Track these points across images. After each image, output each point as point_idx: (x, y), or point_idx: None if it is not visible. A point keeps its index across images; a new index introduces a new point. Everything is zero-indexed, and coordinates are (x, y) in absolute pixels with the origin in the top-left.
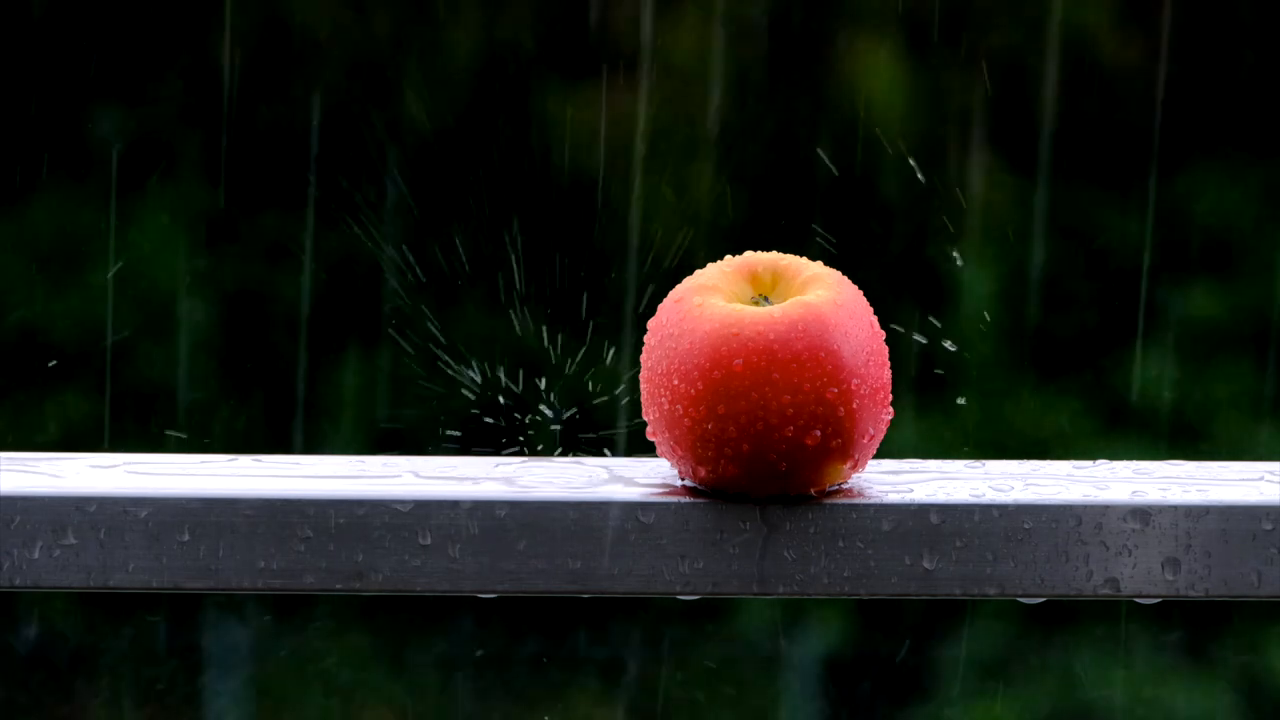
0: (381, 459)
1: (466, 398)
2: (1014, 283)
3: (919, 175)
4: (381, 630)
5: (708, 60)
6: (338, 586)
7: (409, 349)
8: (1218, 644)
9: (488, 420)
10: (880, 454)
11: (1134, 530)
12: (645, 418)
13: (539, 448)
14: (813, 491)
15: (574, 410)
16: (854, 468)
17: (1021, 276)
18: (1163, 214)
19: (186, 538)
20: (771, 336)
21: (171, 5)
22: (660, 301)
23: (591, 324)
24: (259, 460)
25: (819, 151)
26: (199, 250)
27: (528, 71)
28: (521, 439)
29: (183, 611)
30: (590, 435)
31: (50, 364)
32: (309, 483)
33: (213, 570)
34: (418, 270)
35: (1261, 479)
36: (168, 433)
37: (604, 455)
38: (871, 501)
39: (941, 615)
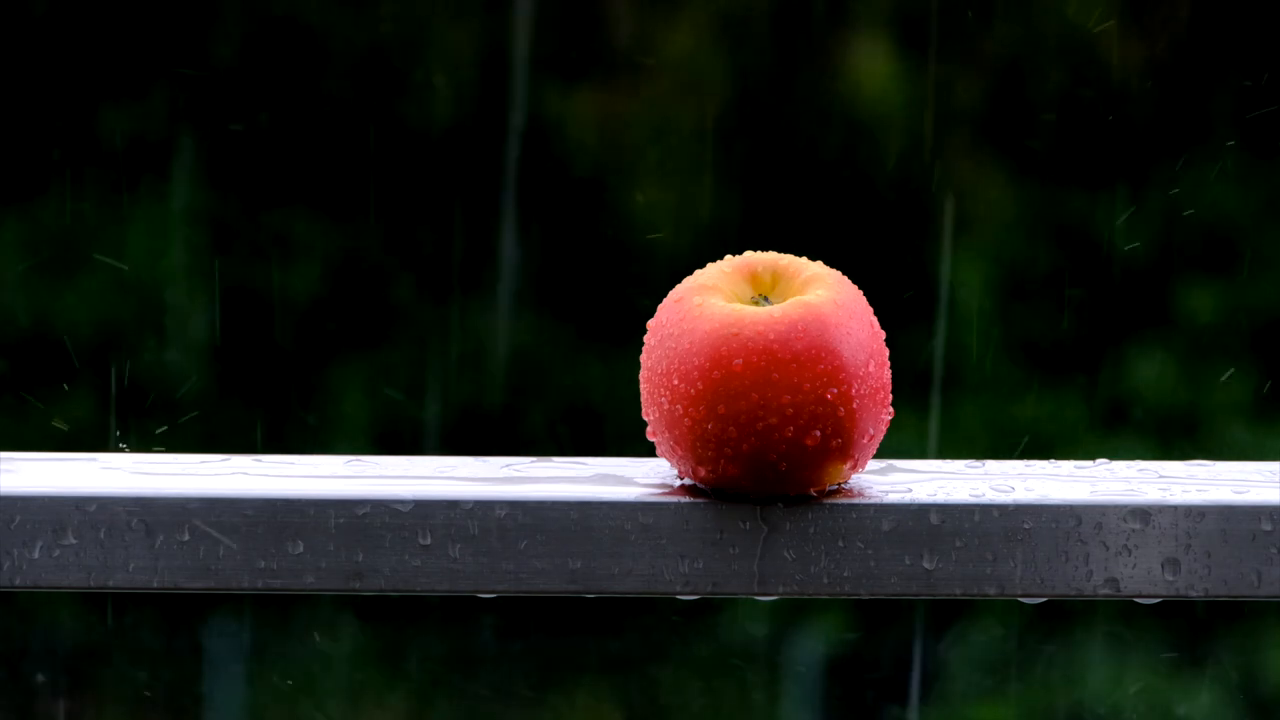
0: (381, 459)
1: (467, 397)
2: (1014, 282)
3: (918, 174)
4: (381, 630)
5: (708, 60)
6: (338, 586)
7: (410, 348)
8: (1218, 644)
9: (488, 419)
10: (880, 454)
11: (1134, 530)
12: (645, 418)
13: (539, 448)
14: (813, 491)
15: (574, 409)
16: (854, 468)
17: (1021, 276)
18: (1163, 213)
19: (186, 538)
20: (771, 336)
21: (173, 5)
22: (660, 301)
23: (591, 323)
24: (258, 460)
25: (818, 151)
26: (199, 250)
27: (529, 71)
28: (522, 438)
29: (182, 611)
30: (591, 435)
31: (51, 364)
32: (309, 483)
33: (212, 570)
34: (418, 269)
35: (1262, 479)
36: (167, 432)
37: (604, 455)
38: (871, 501)
39: (941, 615)
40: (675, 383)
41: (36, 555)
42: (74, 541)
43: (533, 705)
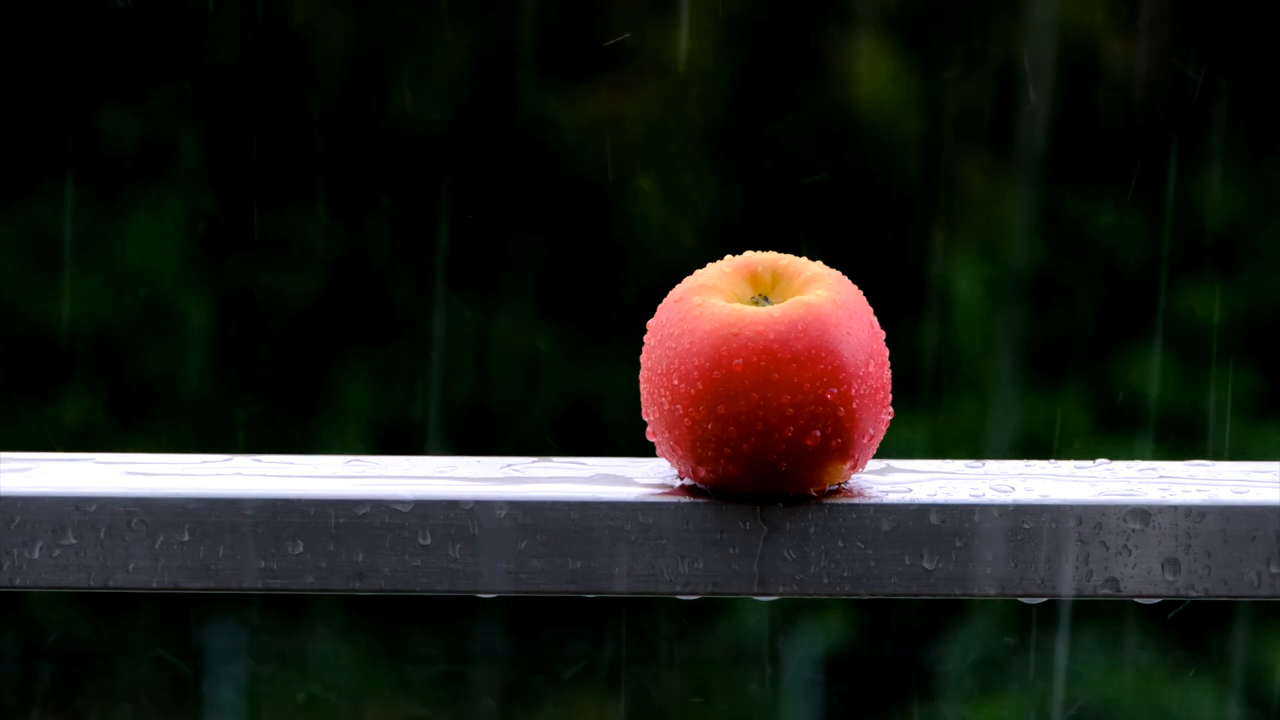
0: (381, 459)
1: (467, 397)
2: (1014, 282)
3: (918, 174)
4: (381, 630)
5: (708, 60)
6: (338, 586)
7: (410, 348)
8: (1218, 644)
9: (488, 419)
10: (880, 454)
11: (1134, 530)
12: (645, 418)
13: (539, 448)
14: (813, 491)
15: (574, 410)
16: (854, 468)
17: (1021, 276)
18: (1163, 214)
19: (186, 538)
20: (771, 336)
21: (172, 5)
22: (660, 301)
23: (591, 323)
24: (258, 460)
25: (818, 151)
26: (199, 250)
27: (528, 71)
28: (522, 438)
29: (182, 611)
30: (590, 435)
31: (51, 363)
32: (309, 483)
33: (213, 570)
34: (419, 269)
35: (1262, 479)
36: (167, 432)
37: (604, 456)
38: (871, 501)
39: (941, 615)
40: (675, 383)
41: (36, 555)
42: (74, 541)
43: (533, 705)
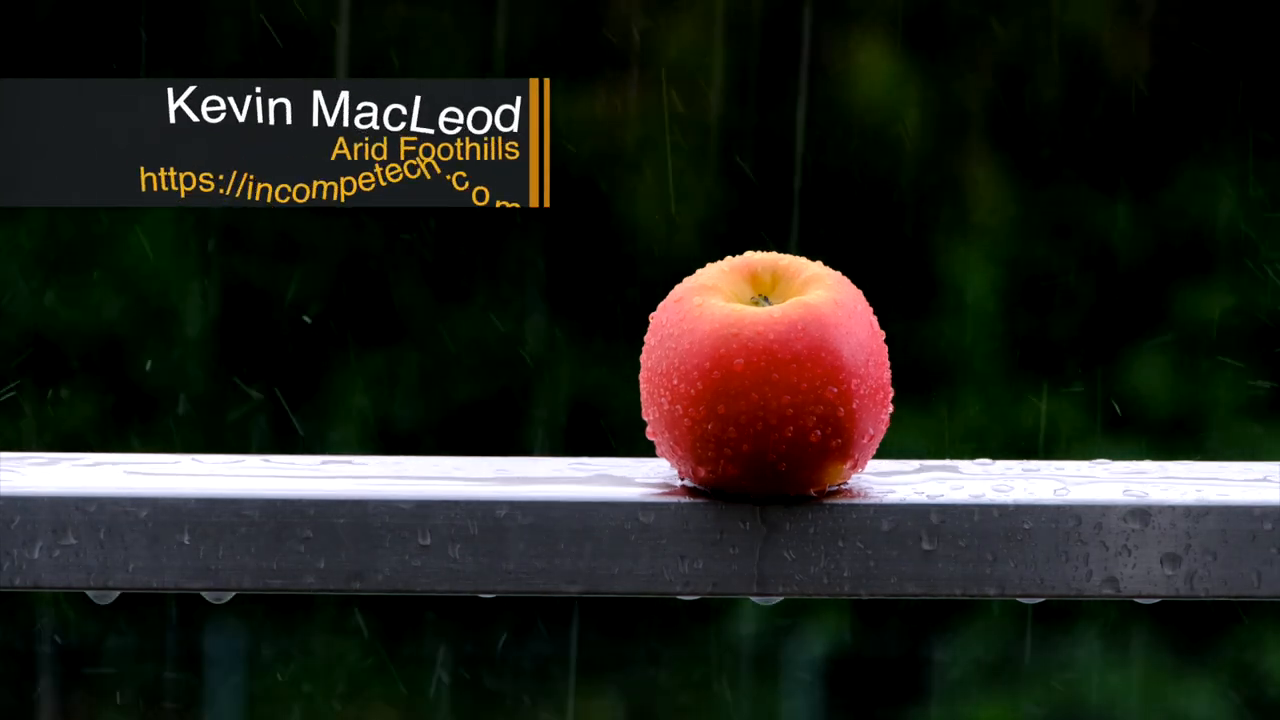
0: (382, 459)
1: (468, 397)
2: (1014, 282)
3: (918, 174)
4: (381, 630)
5: (708, 60)
6: (338, 586)
7: (411, 348)
8: (1218, 644)
9: (488, 419)
10: (880, 454)
11: (1134, 530)
12: (645, 418)
13: (539, 448)
14: (813, 491)
15: (574, 409)
16: (854, 468)
17: (1021, 276)
18: (1163, 214)
19: (186, 538)
20: (771, 336)
21: (173, 4)
22: (660, 301)
23: (591, 323)
24: (258, 460)
25: (818, 150)
26: (199, 249)
27: (529, 71)
28: (522, 438)
29: (182, 611)
30: (591, 435)
31: (50, 363)
32: (309, 482)
33: (213, 570)
34: (420, 269)
35: (1262, 479)
36: (168, 432)
37: (604, 456)
38: (871, 501)
39: (941, 615)
40: (675, 383)
41: (36, 555)
42: (74, 541)
43: (533, 705)
